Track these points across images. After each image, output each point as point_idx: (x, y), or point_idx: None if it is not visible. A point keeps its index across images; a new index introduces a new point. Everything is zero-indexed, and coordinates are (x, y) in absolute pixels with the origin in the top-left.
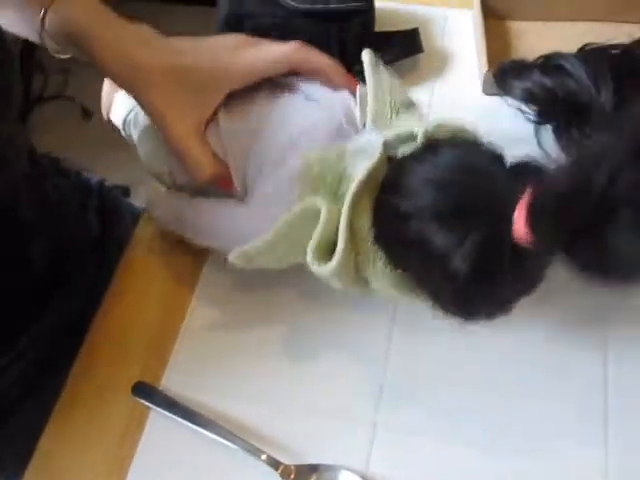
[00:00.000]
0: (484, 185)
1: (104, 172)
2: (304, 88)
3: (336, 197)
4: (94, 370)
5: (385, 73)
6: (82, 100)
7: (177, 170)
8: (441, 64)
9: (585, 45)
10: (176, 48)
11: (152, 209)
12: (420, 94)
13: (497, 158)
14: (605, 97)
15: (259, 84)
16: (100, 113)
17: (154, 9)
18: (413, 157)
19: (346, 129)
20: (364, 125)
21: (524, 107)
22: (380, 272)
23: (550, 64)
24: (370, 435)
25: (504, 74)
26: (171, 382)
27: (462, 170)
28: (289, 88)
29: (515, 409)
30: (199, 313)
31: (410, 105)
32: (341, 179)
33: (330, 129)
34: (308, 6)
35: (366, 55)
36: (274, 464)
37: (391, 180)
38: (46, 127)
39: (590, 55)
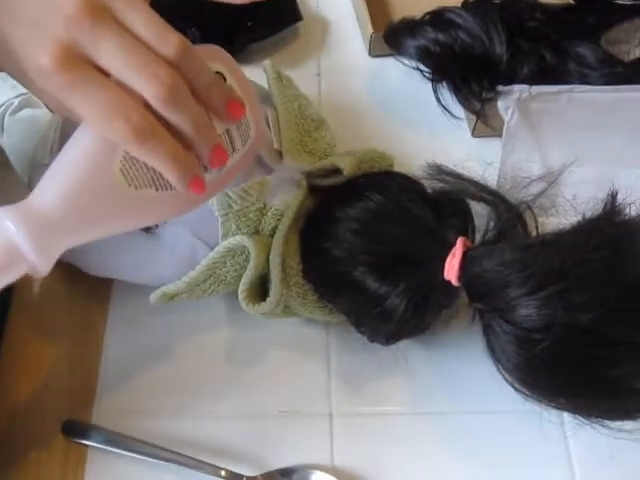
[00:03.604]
0: (414, 235)
1: None
2: None
3: (259, 232)
4: (14, 416)
5: (290, 88)
6: None
7: None
8: (322, 31)
9: None
10: None
11: None
12: (306, 63)
13: (420, 196)
14: (499, 48)
15: None
16: None
17: None
18: (339, 196)
19: (261, 155)
20: (280, 153)
21: (421, 66)
22: (311, 304)
23: (440, 19)
24: (328, 426)
25: (395, 34)
26: (104, 414)
27: (390, 219)
28: None
29: (474, 372)
30: (117, 335)
31: (319, 122)
32: (263, 215)
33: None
34: None
35: (268, 69)
36: (236, 478)
37: (317, 219)
38: None
39: (478, 7)
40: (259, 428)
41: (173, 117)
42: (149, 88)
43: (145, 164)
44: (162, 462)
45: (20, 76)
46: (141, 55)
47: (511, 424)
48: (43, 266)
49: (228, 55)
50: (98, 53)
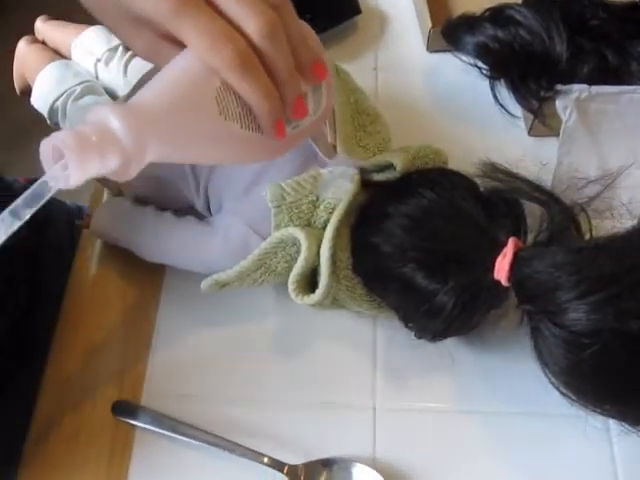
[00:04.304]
0: (465, 234)
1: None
2: None
3: (311, 225)
4: (66, 395)
5: (347, 82)
6: None
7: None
8: (380, 24)
9: None
10: None
11: (96, 224)
12: (364, 57)
13: (473, 194)
14: (560, 46)
15: None
16: None
17: None
18: (392, 192)
19: (315, 149)
20: (334, 147)
21: (479, 62)
22: (360, 298)
23: (500, 16)
24: (371, 420)
25: (454, 30)
26: (152, 396)
27: (442, 216)
28: None
29: (519, 373)
30: (168, 320)
31: (375, 116)
32: (315, 207)
33: (299, 150)
34: None
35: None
36: (278, 466)
37: (369, 214)
38: None
39: (539, 4)
40: (303, 418)
41: (272, 54)
42: (255, 22)
43: (236, 99)
44: (207, 445)
45: (115, 15)
46: None
47: (555, 427)
48: (134, 157)
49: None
50: None
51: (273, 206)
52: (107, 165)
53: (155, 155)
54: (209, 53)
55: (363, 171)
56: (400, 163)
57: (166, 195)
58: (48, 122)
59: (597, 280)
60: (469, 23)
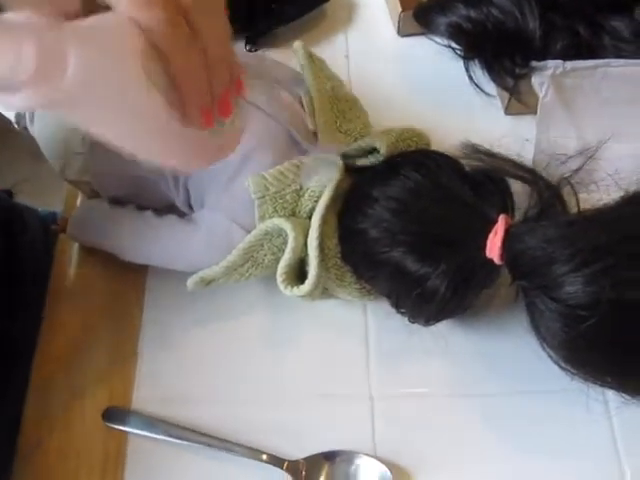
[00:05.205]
0: (454, 214)
1: None
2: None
3: (296, 214)
4: (54, 404)
5: (323, 69)
6: None
7: (97, 177)
8: (349, 12)
9: None
10: None
11: (74, 228)
12: (334, 45)
13: (459, 173)
14: (532, 23)
15: None
16: None
17: None
18: (376, 176)
19: (296, 137)
20: (315, 134)
21: (452, 43)
22: (349, 286)
23: None
24: (369, 408)
25: (426, 12)
26: (143, 400)
27: (429, 197)
28: None
29: (516, 351)
30: (155, 320)
31: (353, 102)
32: (299, 196)
33: (279, 139)
34: None
35: (300, 50)
36: (278, 462)
37: (355, 200)
38: None
39: None
40: (299, 411)
41: (207, 28)
42: None
43: (161, 68)
44: (203, 447)
45: None
46: None
47: (554, 403)
48: (52, 55)
49: None
50: None
51: (257, 197)
52: (22, 56)
53: (76, 84)
54: (141, 8)
55: (346, 157)
56: (384, 146)
57: (144, 195)
58: (16, 126)
59: (592, 252)
60: (441, 4)
